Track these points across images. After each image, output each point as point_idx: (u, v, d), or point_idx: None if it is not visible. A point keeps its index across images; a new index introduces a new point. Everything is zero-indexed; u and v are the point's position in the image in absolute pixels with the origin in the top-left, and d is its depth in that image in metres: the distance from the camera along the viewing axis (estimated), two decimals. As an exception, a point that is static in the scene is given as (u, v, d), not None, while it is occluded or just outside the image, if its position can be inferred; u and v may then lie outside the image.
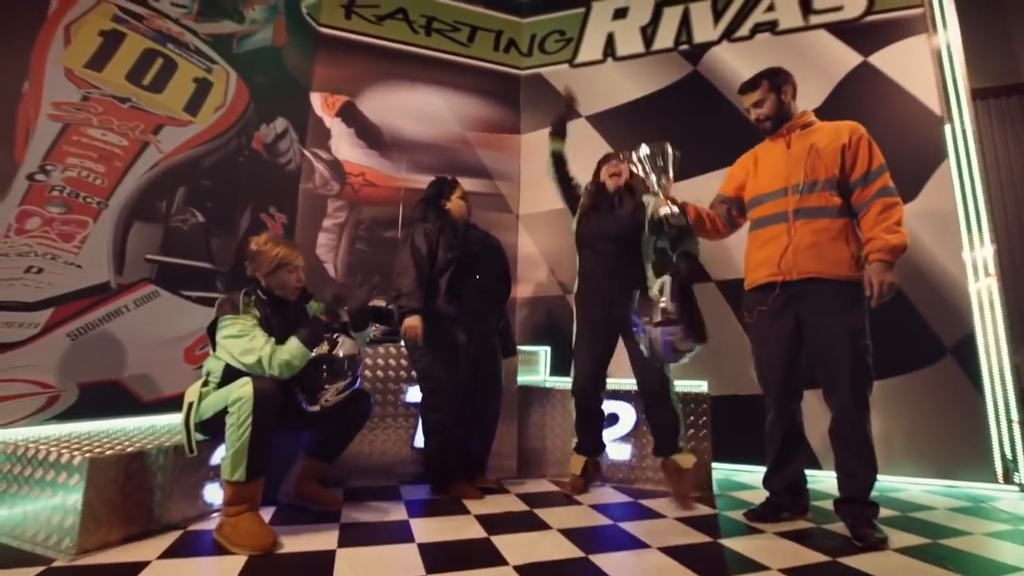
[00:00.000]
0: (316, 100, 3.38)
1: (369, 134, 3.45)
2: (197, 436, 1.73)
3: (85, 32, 2.14)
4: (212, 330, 1.78)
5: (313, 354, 1.80)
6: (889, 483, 2.52)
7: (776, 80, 1.94)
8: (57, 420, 1.94)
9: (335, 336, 1.91)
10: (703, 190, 2.42)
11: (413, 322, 2.11)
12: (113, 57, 2.23)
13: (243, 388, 1.60)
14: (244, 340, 1.69)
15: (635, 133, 3.45)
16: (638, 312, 1.91)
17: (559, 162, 2.47)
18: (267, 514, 1.89)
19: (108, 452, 1.55)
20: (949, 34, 2.90)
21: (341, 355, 1.85)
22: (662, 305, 1.86)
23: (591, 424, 2.34)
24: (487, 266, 2.34)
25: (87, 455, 1.49)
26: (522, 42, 3.86)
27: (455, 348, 2.22)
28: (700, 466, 2.44)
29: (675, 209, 1.92)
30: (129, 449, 1.61)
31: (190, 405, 1.73)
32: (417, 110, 3.57)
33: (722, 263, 3.01)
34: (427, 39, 3.70)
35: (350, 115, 3.44)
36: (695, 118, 3.30)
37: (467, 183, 3.54)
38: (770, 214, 1.90)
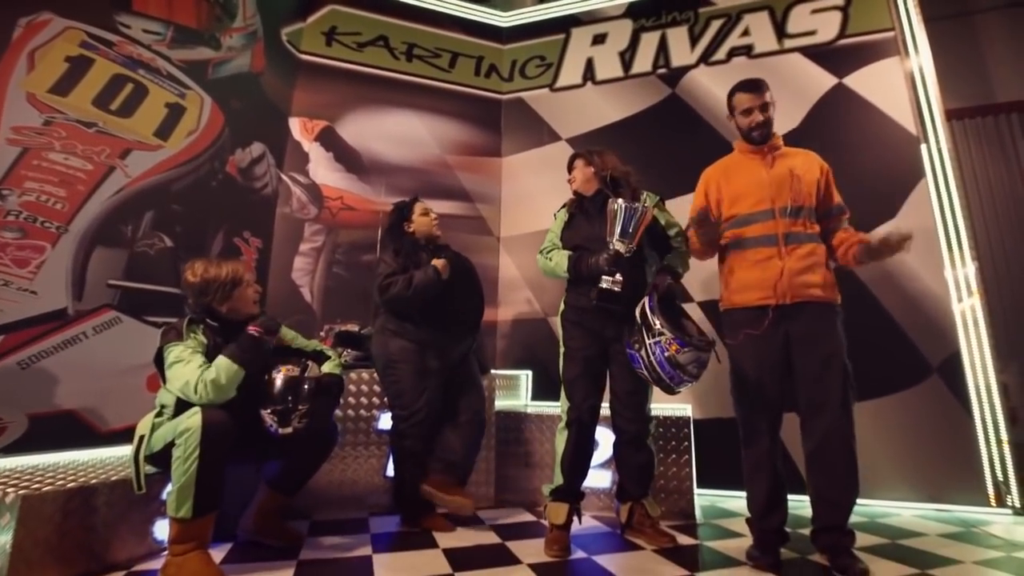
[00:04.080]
0: (295, 125, 3.37)
1: (348, 158, 3.44)
2: (147, 470, 1.64)
3: (51, 58, 2.13)
4: (160, 361, 1.71)
5: (283, 377, 1.75)
6: (880, 508, 2.43)
7: (770, 94, 1.93)
8: (2, 453, 1.84)
9: (305, 361, 1.87)
10: (683, 211, 2.39)
11: (439, 263, 2.15)
12: (80, 82, 2.21)
13: (191, 419, 1.53)
14: (178, 367, 1.62)
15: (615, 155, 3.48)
16: (627, 341, 1.82)
17: None
18: (223, 550, 1.80)
19: (46, 488, 1.46)
20: (921, 57, 2.94)
21: (308, 379, 1.81)
22: (649, 323, 1.73)
23: (584, 463, 2.01)
24: (458, 287, 2.25)
25: (21, 492, 1.40)
26: (503, 67, 3.90)
27: (427, 374, 2.14)
28: (683, 492, 2.37)
29: (617, 279, 1.81)
30: (70, 485, 1.52)
31: (141, 438, 1.65)
32: (397, 134, 3.57)
33: (706, 285, 2.97)
34: (408, 65, 3.73)
35: (329, 140, 3.43)
36: (674, 139, 3.31)
37: (447, 206, 3.54)
38: (759, 235, 1.87)
